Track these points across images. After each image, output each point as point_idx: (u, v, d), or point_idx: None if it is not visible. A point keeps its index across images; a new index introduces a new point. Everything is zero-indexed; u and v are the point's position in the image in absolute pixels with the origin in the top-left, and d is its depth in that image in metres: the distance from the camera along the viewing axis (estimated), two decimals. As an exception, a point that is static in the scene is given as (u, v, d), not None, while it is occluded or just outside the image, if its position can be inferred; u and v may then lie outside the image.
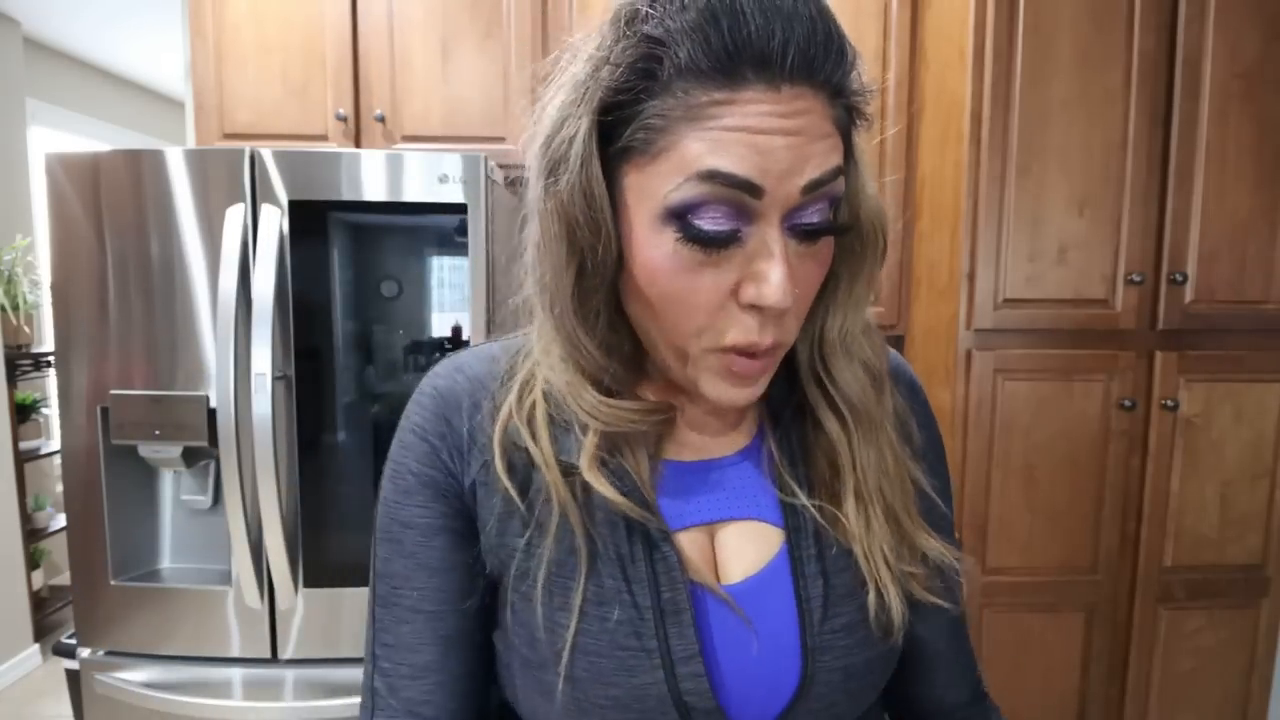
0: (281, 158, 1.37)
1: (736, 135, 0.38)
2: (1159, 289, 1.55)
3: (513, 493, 0.48)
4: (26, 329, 2.80)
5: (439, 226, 1.44)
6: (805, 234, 0.41)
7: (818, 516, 0.50)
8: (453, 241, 1.42)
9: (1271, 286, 1.55)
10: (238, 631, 1.43)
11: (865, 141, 0.46)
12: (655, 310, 0.43)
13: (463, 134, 1.75)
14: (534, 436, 0.48)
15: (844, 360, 0.49)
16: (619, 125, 0.41)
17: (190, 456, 1.44)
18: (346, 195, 1.38)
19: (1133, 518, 1.60)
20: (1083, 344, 1.56)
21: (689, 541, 0.50)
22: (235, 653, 1.44)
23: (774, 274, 0.40)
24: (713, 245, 0.40)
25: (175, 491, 1.54)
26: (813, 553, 0.49)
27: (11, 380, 2.70)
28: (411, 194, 1.38)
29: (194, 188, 1.37)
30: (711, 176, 0.38)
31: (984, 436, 1.56)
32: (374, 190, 1.38)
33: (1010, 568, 1.59)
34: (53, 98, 3.28)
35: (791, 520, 0.50)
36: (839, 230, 0.43)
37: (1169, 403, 1.55)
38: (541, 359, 0.50)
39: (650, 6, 0.40)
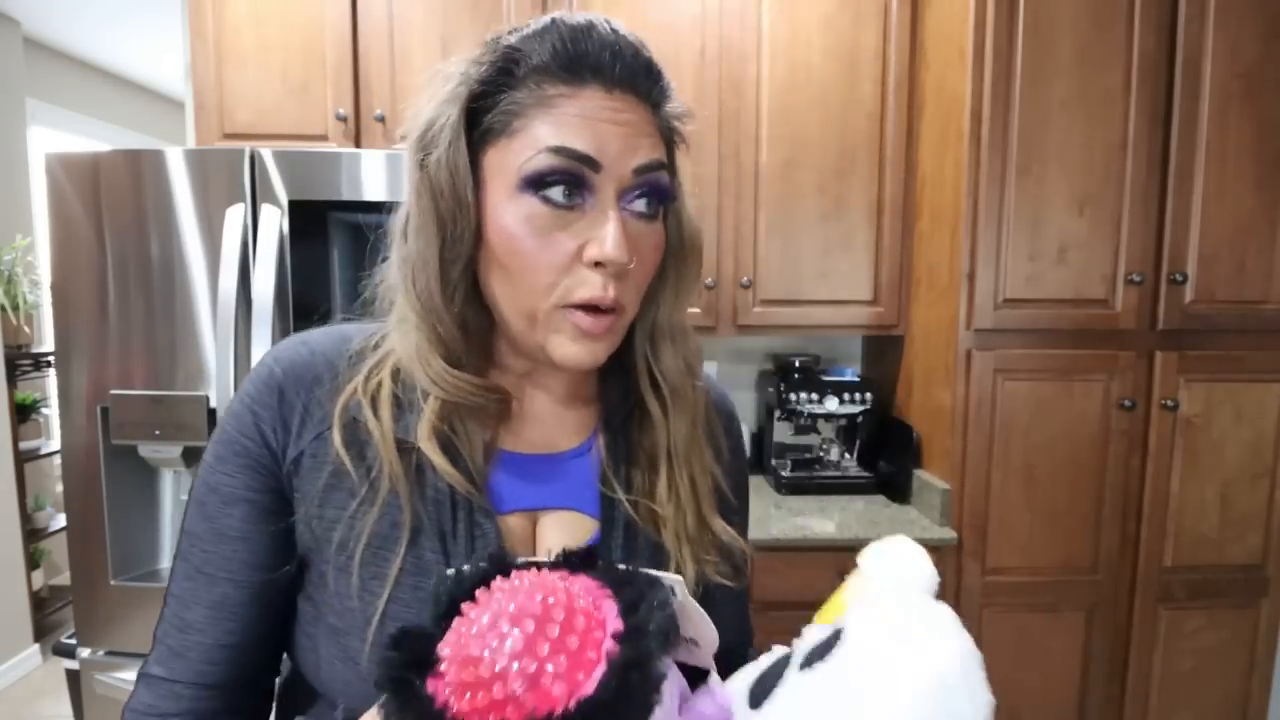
0: (281, 158, 1.37)
1: (578, 120, 0.48)
2: (1159, 289, 1.55)
3: (348, 464, 0.51)
4: (26, 329, 2.80)
5: (439, 226, 1.44)
6: (638, 212, 0.51)
7: (630, 511, 0.56)
8: (453, 241, 1.41)
9: (1271, 286, 1.55)
10: (238, 631, 1.43)
11: (686, 166, 0.57)
12: (510, 273, 0.50)
13: (463, 134, 1.74)
14: (375, 412, 0.52)
15: (669, 347, 0.58)
16: (482, 113, 0.50)
17: (190, 456, 1.44)
18: (346, 195, 1.38)
19: (1133, 518, 1.60)
20: (1083, 344, 1.56)
21: (512, 523, 0.55)
22: (235, 653, 1.44)
23: (611, 233, 0.48)
24: (560, 207, 0.48)
25: (175, 491, 1.54)
26: (620, 543, 0.56)
27: (11, 380, 2.69)
28: (411, 194, 1.38)
29: (194, 188, 1.37)
30: (558, 150, 0.47)
31: (984, 436, 1.56)
32: (374, 190, 1.38)
33: (1010, 568, 1.59)
34: (53, 98, 3.28)
35: (607, 513, 0.56)
36: (666, 200, 0.53)
37: (1169, 403, 1.55)
38: (396, 328, 0.54)
39: (511, 32, 0.51)
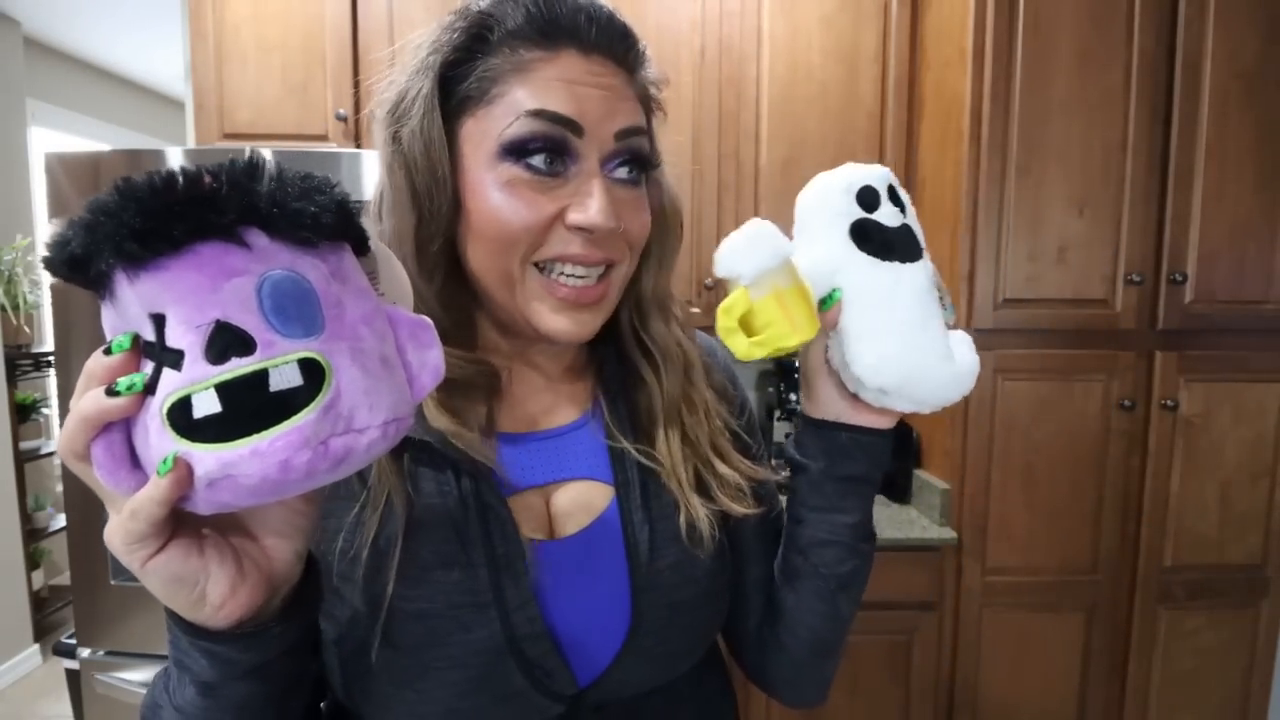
0: (281, 157, 1.37)
1: (558, 84, 0.47)
2: (1159, 289, 1.55)
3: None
4: (26, 329, 2.80)
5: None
6: (621, 179, 0.49)
7: (640, 459, 0.55)
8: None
9: (1271, 286, 1.55)
10: (238, 631, 1.43)
11: (664, 136, 0.56)
12: (489, 240, 0.48)
13: (463, 134, 1.74)
14: None
15: (658, 316, 0.57)
16: (457, 82, 0.49)
17: (190, 456, 1.44)
18: (346, 195, 1.38)
19: (1133, 518, 1.60)
20: (1083, 344, 1.56)
21: (524, 502, 0.53)
22: (235, 653, 1.44)
23: (595, 198, 0.47)
24: (542, 173, 0.47)
25: (175, 491, 1.54)
26: (639, 503, 0.54)
27: (11, 380, 2.69)
28: (411, 194, 1.38)
29: (194, 188, 1.37)
30: (539, 114, 0.46)
31: (984, 436, 1.56)
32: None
33: (1010, 568, 1.59)
34: (53, 98, 3.28)
35: (620, 476, 0.55)
36: (647, 167, 0.52)
37: (1169, 403, 1.55)
38: None
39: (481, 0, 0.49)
